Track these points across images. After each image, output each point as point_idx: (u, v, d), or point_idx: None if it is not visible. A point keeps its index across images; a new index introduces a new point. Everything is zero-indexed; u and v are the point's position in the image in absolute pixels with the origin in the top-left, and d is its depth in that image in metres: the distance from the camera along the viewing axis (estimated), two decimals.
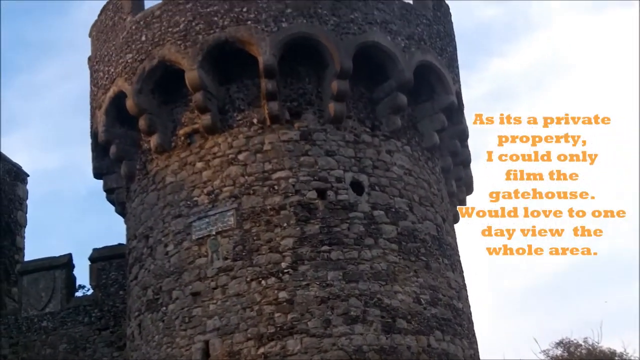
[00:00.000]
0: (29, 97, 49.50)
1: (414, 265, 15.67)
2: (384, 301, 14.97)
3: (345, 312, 14.67)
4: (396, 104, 16.71)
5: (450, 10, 19.25)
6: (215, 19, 16.38)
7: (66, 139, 48.81)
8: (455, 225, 18.35)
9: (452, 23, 19.25)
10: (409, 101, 16.93)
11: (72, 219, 48.38)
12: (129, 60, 17.09)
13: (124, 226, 17.94)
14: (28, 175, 22.98)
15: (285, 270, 14.92)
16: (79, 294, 19.20)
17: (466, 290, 17.14)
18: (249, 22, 16.20)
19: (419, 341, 15.02)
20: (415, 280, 15.53)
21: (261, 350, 14.47)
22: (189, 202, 16.05)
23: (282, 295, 14.76)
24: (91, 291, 18.84)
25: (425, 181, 17.01)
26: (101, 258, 18.59)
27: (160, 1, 17.10)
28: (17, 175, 22.69)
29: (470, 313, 16.99)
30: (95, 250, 18.76)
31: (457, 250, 17.48)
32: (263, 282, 14.90)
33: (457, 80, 18.57)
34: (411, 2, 17.89)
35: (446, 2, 19.09)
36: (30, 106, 49.09)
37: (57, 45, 49.14)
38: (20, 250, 22.35)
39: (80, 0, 49.40)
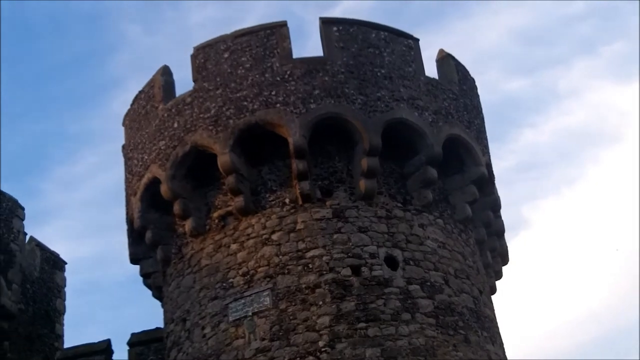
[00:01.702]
0: (67, 188, 50.70)
1: (452, 340, 15.50)
2: None
3: None
4: (427, 178, 16.81)
5: (476, 84, 19.50)
6: (245, 103, 16.71)
7: (103, 227, 49.62)
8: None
9: (478, 96, 19.44)
10: (439, 174, 17.03)
11: (110, 305, 48.79)
12: (162, 147, 17.40)
13: (162, 310, 18.04)
14: (66, 263, 23.36)
15: (323, 349, 14.83)
16: None
17: None
18: (278, 105, 16.50)
19: None
20: (455, 355, 15.33)
21: None
22: (224, 284, 16.12)
23: None
24: None
25: (459, 253, 16.95)
26: (139, 343, 18.60)
27: (190, 89, 17.51)
28: (55, 264, 23.06)
29: None
30: (133, 335, 18.80)
31: (496, 322, 17.28)
32: None
33: (486, 152, 18.65)
34: (437, 77, 18.16)
35: (471, 76, 19.33)
36: (68, 197, 50.22)
37: (94, 136, 50.59)
38: (60, 337, 22.53)
39: (114, 90, 50.80)
